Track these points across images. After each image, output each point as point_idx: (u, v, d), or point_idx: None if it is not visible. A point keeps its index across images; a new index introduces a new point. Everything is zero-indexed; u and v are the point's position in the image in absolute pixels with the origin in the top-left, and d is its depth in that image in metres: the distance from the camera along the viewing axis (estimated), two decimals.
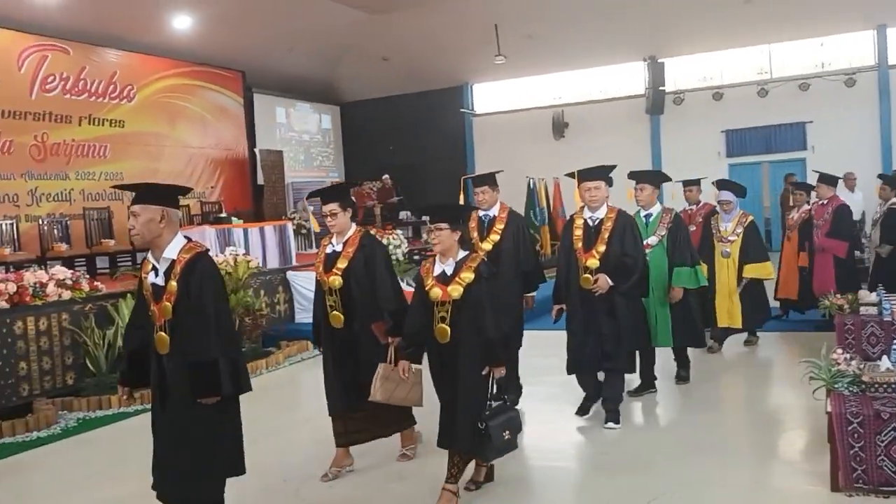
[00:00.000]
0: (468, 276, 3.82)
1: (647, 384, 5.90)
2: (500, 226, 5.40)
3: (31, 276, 6.44)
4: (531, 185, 13.76)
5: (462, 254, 3.94)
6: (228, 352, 3.19)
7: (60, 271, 6.92)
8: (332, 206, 4.44)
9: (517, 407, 5.06)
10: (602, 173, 5.09)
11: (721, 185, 7.59)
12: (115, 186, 4.13)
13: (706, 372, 6.53)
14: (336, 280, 4.36)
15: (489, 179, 5.57)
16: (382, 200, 14.85)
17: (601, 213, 5.07)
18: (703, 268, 6.41)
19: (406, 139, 17.46)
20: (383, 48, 15.99)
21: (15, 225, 9.89)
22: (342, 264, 4.37)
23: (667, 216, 5.86)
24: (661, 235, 5.80)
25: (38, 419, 5.83)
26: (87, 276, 7.43)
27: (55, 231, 10.27)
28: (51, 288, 6.54)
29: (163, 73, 13.42)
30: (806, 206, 8.52)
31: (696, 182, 7.87)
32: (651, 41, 15.18)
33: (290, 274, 9.53)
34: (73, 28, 11.68)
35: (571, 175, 5.28)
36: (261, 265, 9.20)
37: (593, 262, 4.96)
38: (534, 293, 5.54)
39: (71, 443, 5.66)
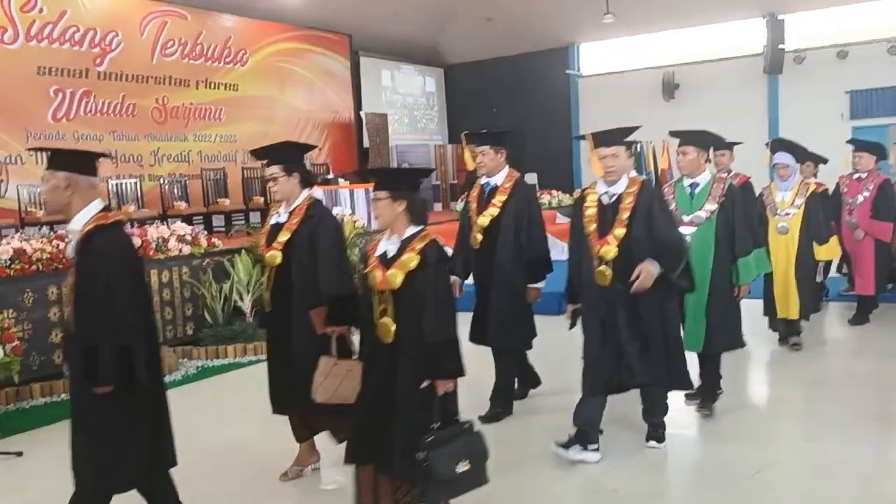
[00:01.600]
0: (411, 259, 3.03)
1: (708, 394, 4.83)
2: (501, 197, 4.60)
3: (155, 232, 6.82)
4: (638, 149, 13.41)
5: (410, 230, 3.12)
6: (117, 339, 2.82)
7: (181, 227, 7.31)
8: (274, 170, 3.83)
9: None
10: (619, 136, 4.17)
11: (776, 146, 6.30)
12: (29, 148, 4.10)
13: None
14: (275, 256, 3.77)
15: (490, 138, 4.82)
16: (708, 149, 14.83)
17: (620, 187, 4.07)
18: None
19: (510, 102, 17.29)
20: (488, 9, 15.82)
21: (139, 184, 10.48)
22: (283, 237, 3.77)
23: (719, 187, 4.65)
24: (709, 211, 4.60)
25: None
26: (206, 233, 7.82)
27: (175, 190, 10.82)
28: (172, 243, 6.92)
29: (274, 37, 13.77)
30: (814, 181, 7.05)
31: (729, 146, 6.64)
32: None
33: None
34: None
35: (583, 138, 4.49)
36: (366, 226, 9.44)
37: (609, 251, 3.98)
38: (539, 284, 4.71)
39: (191, 388, 6.02)
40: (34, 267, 5.85)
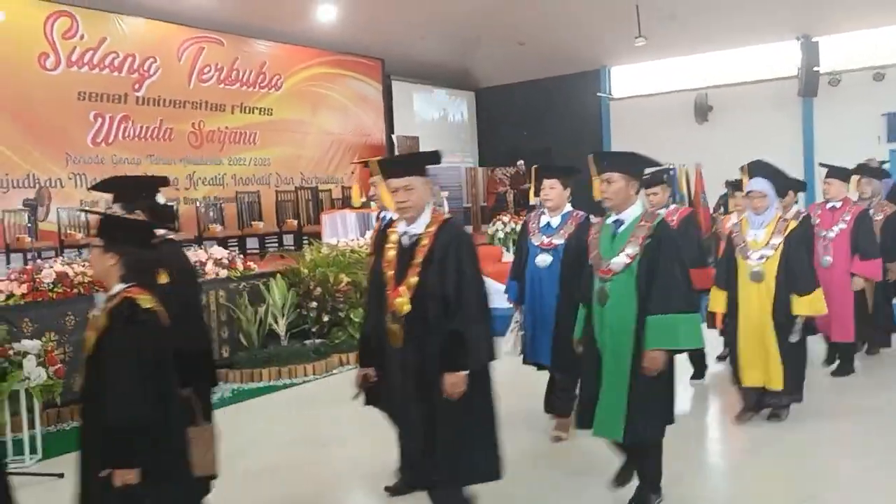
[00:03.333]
0: (99, 320, 2.78)
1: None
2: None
3: (192, 255, 6.89)
4: (671, 173, 13.34)
5: (117, 288, 2.80)
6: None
7: (218, 251, 7.41)
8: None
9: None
10: (413, 165, 3.51)
11: (753, 169, 5.08)
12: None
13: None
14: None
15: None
16: (515, 186, 14.85)
17: (419, 226, 3.34)
18: (718, 301, 5.08)
19: (541, 124, 17.31)
20: (519, 33, 15.89)
21: (175, 207, 10.62)
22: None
23: (645, 225, 3.63)
24: (629, 256, 3.60)
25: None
26: (241, 256, 7.90)
27: (210, 213, 10.96)
28: (209, 266, 6.99)
29: (308, 62, 13.95)
30: (795, 209, 6.23)
31: (661, 178, 5.74)
32: (804, 18, 14.26)
33: None
34: (227, 21, 12.33)
35: (365, 164, 4.19)
36: None
37: (402, 304, 3.25)
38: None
39: (229, 411, 6.05)
40: (76, 290, 5.94)
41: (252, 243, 10.91)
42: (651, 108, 16.38)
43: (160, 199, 3.48)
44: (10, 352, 4.93)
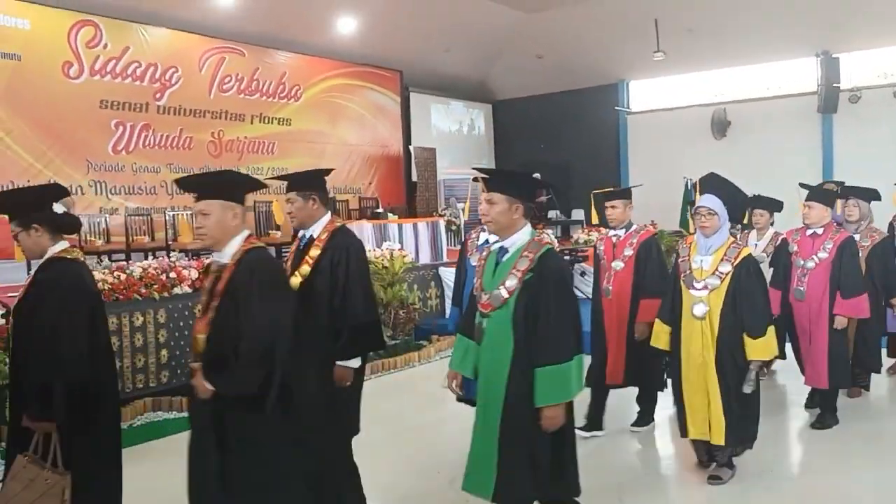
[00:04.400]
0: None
1: None
2: (314, 252, 3.59)
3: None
4: (688, 186, 13.30)
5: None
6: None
7: None
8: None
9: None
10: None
11: (705, 184, 4.49)
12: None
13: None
14: None
15: (620, 195, 5.29)
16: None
17: (224, 257, 3.03)
18: (660, 337, 4.49)
19: (558, 137, 17.31)
20: (538, 46, 15.94)
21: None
22: None
23: (528, 255, 3.14)
24: (508, 290, 3.13)
25: None
26: None
27: None
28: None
29: (327, 73, 14.05)
30: (771, 231, 6.23)
31: (623, 194, 5.39)
32: (824, 35, 14.20)
33: (441, 269, 9.75)
34: (249, 32, 12.45)
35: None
36: (414, 260, 9.48)
37: (198, 341, 2.95)
38: (351, 363, 3.52)
39: None
40: None
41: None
42: (669, 123, 16.35)
43: (58, 208, 3.31)
44: None
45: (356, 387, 3.73)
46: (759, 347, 4.12)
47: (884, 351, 6.41)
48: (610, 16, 14.65)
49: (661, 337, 4.47)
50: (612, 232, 5.29)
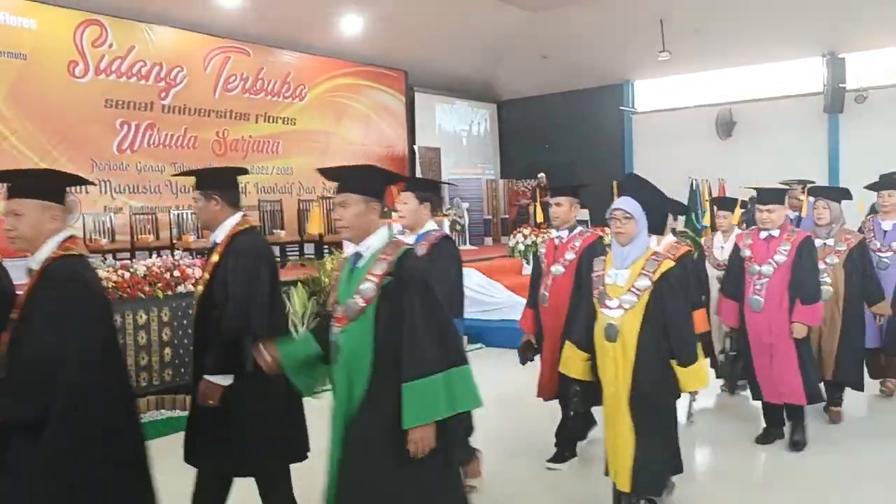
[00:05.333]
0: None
1: None
2: (214, 258, 3.32)
3: None
4: (693, 186, 13.28)
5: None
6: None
7: None
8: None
9: None
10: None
11: (624, 185, 4.74)
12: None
13: None
14: None
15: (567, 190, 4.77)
16: (536, 200, 14.82)
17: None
18: (571, 364, 3.76)
19: (563, 138, 17.29)
20: (543, 46, 15.93)
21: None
22: None
23: (385, 259, 2.72)
24: (365, 298, 2.70)
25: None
26: None
27: None
28: None
29: (332, 73, 14.06)
30: (737, 232, 5.68)
31: (569, 190, 4.76)
32: (830, 35, 14.17)
33: None
34: (254, 31, 12.46)
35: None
36: None
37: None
38: (219, 380, 3.11)
39: None
40: None
41: (274, 251, 10.94)
42: (674, 123, 16.32)
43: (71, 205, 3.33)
44: None
45: (294, 408, 3.31)
46: (692, 377, 3.51)
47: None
48: (615, 16, 14.63)
49: (571, 363, 3.72)
50: (554, 233, 4.78)
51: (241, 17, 12.10)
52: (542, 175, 15.09)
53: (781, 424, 4.93)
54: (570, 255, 4.56)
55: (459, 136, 17.69)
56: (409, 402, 2.59)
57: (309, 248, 11.18)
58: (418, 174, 15.26)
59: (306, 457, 3.34)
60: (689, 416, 3.78)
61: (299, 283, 7.55)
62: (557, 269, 4.58)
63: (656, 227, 3.76)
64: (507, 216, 16.75)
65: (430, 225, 4.02)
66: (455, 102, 17.57)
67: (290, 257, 10.84)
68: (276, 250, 10.90)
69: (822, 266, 5.11)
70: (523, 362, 4.70)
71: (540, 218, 12.74)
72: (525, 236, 11.39)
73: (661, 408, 3.54)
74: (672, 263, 3.56)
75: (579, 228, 4.71)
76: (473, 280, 9.47)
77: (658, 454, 3.51)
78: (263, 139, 12.86)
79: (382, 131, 15.14)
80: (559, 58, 16.15)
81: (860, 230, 5.90)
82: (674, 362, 3.50)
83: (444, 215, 13.05)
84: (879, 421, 5.56)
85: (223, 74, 12.22)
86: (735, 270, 5.01)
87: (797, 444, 4.81)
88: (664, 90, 16.89)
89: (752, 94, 15.71)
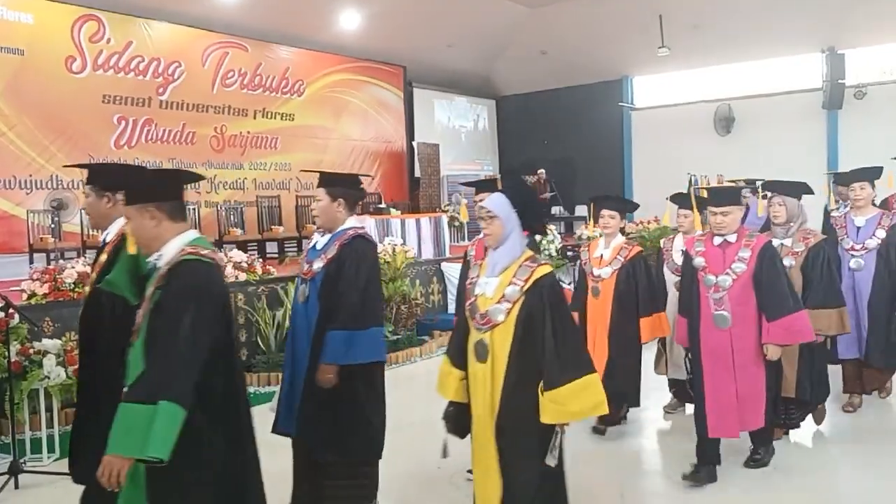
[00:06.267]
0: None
1: None
2: (102, 258, 3.34)
3: None
4: (693, 182, 13.26)
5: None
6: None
7: (237, 255, 7.45)
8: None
9: None
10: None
11: (497, 185, 4.40)
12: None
13: None
14: None
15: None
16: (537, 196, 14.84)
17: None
18: (446, 385, 3.21)
19: (561, 133, 17.28)
20: (542, 42, 15.90)
21: (196, 210, 10.71)
22: None
23: (167, 267, 2.57)
24: (140, 315, 2.59)
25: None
26: (260, 260, 7.94)
27: (231, 217, 11.03)
28: (229, 270, 7.03)
29: (330, 68, 14.03)
30: (620, 240, 5.11)
31: (494, 187, 4.24)
32: (829, 31, 14.15)
33: (444, 265, 9.74)
34: (252, 27, 12.42)
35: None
36: (416, 256, 9.47)
37: None
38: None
39: None
40: None
41: (271, 247, 10.95)
42: (673, 119, 16.31)
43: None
44: (31, 351, 4.98)
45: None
46: (553, 408, 2.87)
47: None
48: (614, 11, 14.61)
49: (445, 383, 3.19)
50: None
51: (240, 13, 12.07)
52: (542, 171, 15.08)
53: (716, 462, 4.29)
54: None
55: (458, 131, 17.67)
56: (117, 427, 2.37)
57: (307, 244, 11.16)
58: (417, 170, 15.27)
59: None
60: (552, 451, 2.87)
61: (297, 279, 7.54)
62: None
63: (533, 228, 3.18)
64: None
65: (350, 223, 3.67)
66: (454, 98, 17.55)
67: (289, 253, 10.83)
68: (275, 246, 10.91)
69: None
70: None
71: None
72: None
73: (533, 441, 2.90)
74: (548, 269, 2.97)
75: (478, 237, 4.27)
76: None
77: (528, 497, 2.95)
78: (262, 135, 12.83)
79: (381, 127, 15.12)
80: (558, 53, 16.13)
81: (831, 227, 5.56)
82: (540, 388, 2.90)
83: (443, 211, 13.07)
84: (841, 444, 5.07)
85: (221, 70, 12.19)
86: (687, 282, 4.37)
87: (758, 462, 4.41)
88: (663, 86, 16.87)
89: (751, 91, 15.70)
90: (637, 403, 5.19)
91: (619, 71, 16.84)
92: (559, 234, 11.70)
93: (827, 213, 6.84)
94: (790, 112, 15.02)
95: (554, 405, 2.85)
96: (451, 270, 9.58)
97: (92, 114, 10.57)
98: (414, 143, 15.62)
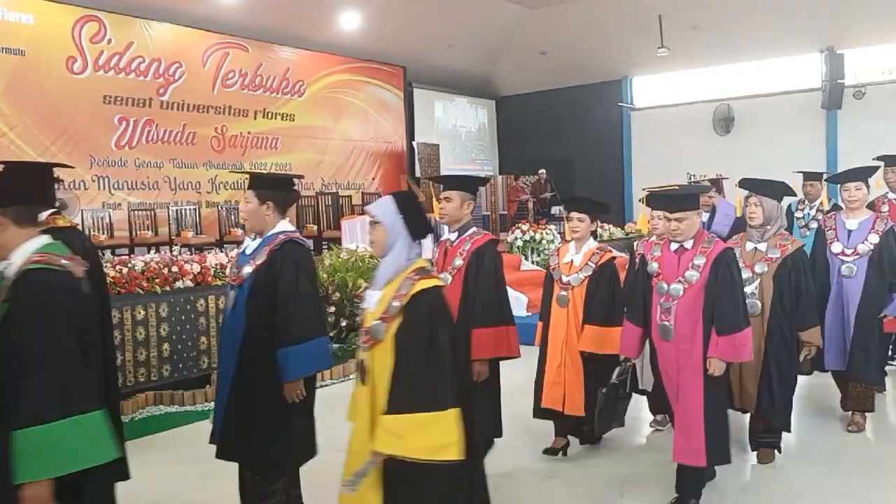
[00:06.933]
0: None
1: None
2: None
3: (213, 258, 6.95)
4: (692, 182, 13.27)
5: None
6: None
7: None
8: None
9: None
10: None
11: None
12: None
13: None
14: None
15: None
16: (536, 195, 14.84)
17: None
18: None
19: (561, 133, 17.31)
20: (542, 42, 15.92)
21: (197, 210, 10.74)
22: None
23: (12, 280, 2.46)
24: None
25: (216, 390, 6.28)
26: None
27: (231, 217, 11.05)
28: (230, 270, 7.03)
29: (331, 69, 14.05)
30: (591, 246, 4.65)
31: (461, 183, 4.10)
32: (829, 31, 14.16)
33: None
34: (252, 27, 12.44)
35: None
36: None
37: None
38: None
39: None
40: None
41: None
42: (673, 119, 16.32)
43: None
44: None
45: None
46: (387, 436, 2.51)
47: None
48: (614, 12, 14.63)
49: (352, 404, 2.86)
50: (446, 234, 4.08)
51: (240, 13, 12.09)
52: (542, 171, 15.10)
53: (695, 496, 3.86)
54: (458, 262, 3.88)
55: (458, 132, 17.69)
56: (21, 451, 2.23)
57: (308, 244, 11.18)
58: (417, 170, 15.29)
59: None
60: (350, 482, 2.60)
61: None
62: (445, 277, 3.85)
63: (416, 233, 2.76)
64: (505, 212, 16.72)
65: (281, 227, 3.47)
66: (454, 98, 17.57)
67: None
68: None
69: (747, 275, 4.26)
70: None
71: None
72: (524, 232, 11.40)
73: (416, 481, 2.54)
74: (431, 283, 2.64)
75: (473, 229, 4.01)
76: None
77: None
78: (262, 135, 12.86)
79: (381, 127, 15.14)
80: (558, 54, 16.15)
81: (819, 229, 5.18)
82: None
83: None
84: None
85: (222, 70, 12.21)
86: (637, 287, 4.05)
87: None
88: (663, 86, 16.88)
89: (750, 91, 15.71)
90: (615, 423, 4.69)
91: (619, 71, 16.85)
92: (559, 234, 11.71)
93: (790, 213, 6.69)
94: (789, 112, 15.04)
95: (387, 435, 2.49)
96: None
97: (92, 114, 10.59)
98: (414, 144, 15.64)
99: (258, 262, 3.38)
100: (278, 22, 12.61)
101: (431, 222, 3.00)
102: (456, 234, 3.99)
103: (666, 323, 3.75)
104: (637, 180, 16.58)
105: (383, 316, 2.61)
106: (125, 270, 6.08)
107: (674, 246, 3.83)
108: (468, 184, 4.06)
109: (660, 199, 4.07)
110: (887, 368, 5.75)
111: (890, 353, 5.92)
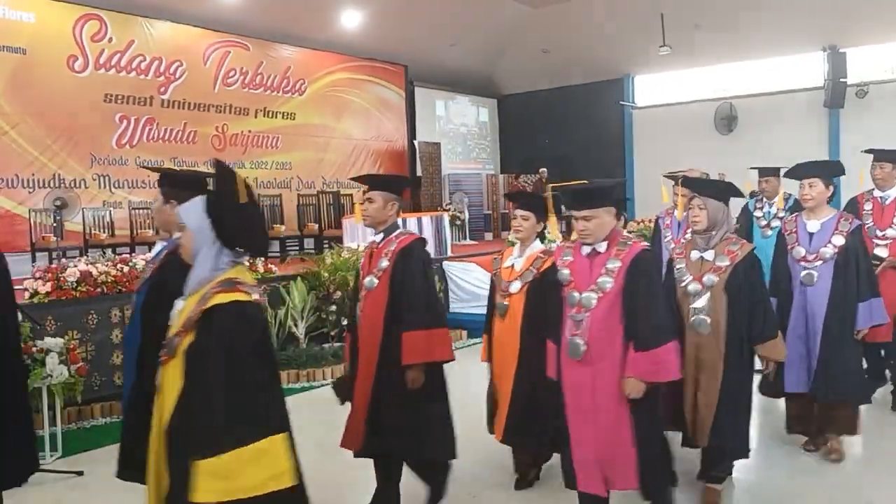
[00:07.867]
0: None
1: None
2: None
3: None
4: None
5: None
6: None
7: None
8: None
9: None
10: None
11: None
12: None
13: None
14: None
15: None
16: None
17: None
18: None
19: (563, 132, 17.28)
20: (544, 41, 15.91)
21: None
22: None
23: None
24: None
25: None
26: (261, 259, 7.92)
27: None
28: None
29: (332, 67, 14.03)
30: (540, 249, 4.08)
31: (382, 183, 3.91)
32: (831, 29, 14.14)
33: (445, 264, 9.73)
34: (253, 26, 12.42)
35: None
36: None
37: None
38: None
39: None
40: (99, 290, 6.00)
41: (273, 246, 10.92)
42: (674, 118, 16.30)
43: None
44: (33, 349, 4.98)
45: None
46: (219, 485, 2.21)
47: None
48: (616, 10, 14.61)
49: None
50: (372, 236, 3.89)
51: (241, 12, 12.07)
52: (543, 170, 15.08)
53: None
54: (384, 263, 3.67)
55: (460, 130, 17.67)
56: None
57: (309, 243, 11.18)
58: (419, 169, 15.27)
59: None
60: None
61: (299, 278, 7.55)
62: (371, 281, 3.68)
63: (236, 243, 2.51)
64: (507, 211, 16.72)
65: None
66: (455, 97, 17.55)
67: (291, 252, 10.83)
68: (277, 245, 10.91)
69: (696, 287, 3.78)
70: (342, 402, 3.81)
71: None
72: None
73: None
74: (233, 297, 2.35)
75: (398, 230, 3.79)
76: (474, 275, 9.47)
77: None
78: (263, 134, 12.84)
79: (382, 126, 15.12)
80: (560, 52, 16.13)
81: (779, 234, 4.63)
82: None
83: (445, 210, 13.07)
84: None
85: (223, 69, 12.19)
86: (548, 299, 3.54)
87: None
88: (664, 85, 16.86)
89: (752, 89, 15.69)
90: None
91: (621, 70, 16.83)
92: (561, 232, 11.69)
93: (746, 211, 6.30)
94: (792, 111, 15.02)
95: (215, 481, 2.18)
96: (453, 269, 9.59)
97: (94, 113, 10.58)
98: (415, 142, 15.62)
99: (154, 267, 3.25)
100: (279, 20, 12.58)
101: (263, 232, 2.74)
102: (381, 235, 3.76)
103: (577, 339, 3.20)
104: (638, 179, 16.56)
105: (178, 331, 2.38)
106: (126, 269, 6.07)
107: (585, 249, 3.29)
108: (391, 184, 3.86)
109: (565, 196, 3.56)
110: (887, 371, 5.58)
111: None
